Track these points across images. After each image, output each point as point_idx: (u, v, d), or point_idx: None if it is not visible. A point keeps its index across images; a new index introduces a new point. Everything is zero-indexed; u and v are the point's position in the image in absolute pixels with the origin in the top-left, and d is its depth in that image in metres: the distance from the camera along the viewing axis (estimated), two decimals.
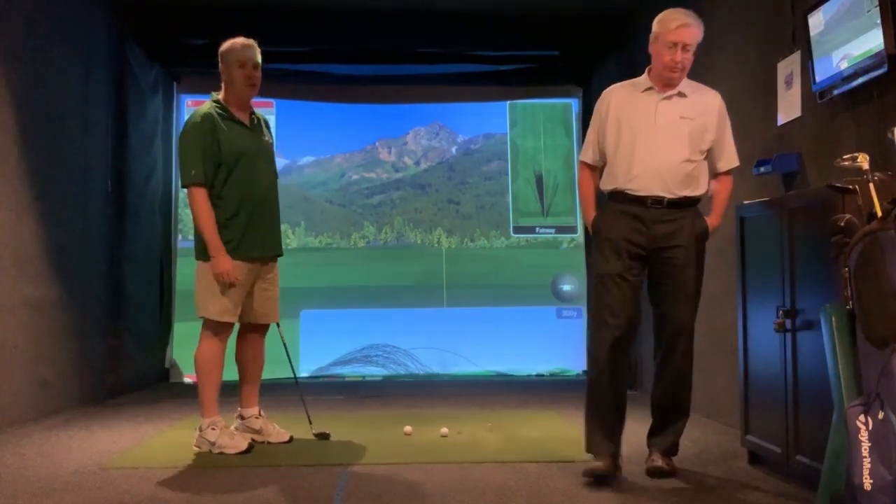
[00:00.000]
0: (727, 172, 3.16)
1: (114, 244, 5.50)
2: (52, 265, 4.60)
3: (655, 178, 2.99)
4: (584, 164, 3.25)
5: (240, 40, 3.62)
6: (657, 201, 2.99)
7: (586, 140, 3.24)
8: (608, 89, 3.20)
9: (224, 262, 3.45)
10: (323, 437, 3.83)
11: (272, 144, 3.79)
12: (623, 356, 3.11)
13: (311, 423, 3.89)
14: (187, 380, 6.27)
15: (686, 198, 3.02)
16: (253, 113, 3.71)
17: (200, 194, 3.46)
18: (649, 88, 3.09)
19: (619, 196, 3.06)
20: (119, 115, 5.62)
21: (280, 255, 3.76)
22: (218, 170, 3.49)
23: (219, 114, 3.53)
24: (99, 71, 5.33)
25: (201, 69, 6.57)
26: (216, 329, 3.53)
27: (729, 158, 3.15)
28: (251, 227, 3.54)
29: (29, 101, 4.37)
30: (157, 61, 6.20)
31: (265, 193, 3.62)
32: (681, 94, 3.08)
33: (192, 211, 3.52)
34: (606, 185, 3.13)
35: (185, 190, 3.53)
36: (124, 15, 5.68)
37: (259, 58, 3.62)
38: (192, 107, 6.80)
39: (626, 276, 3.02)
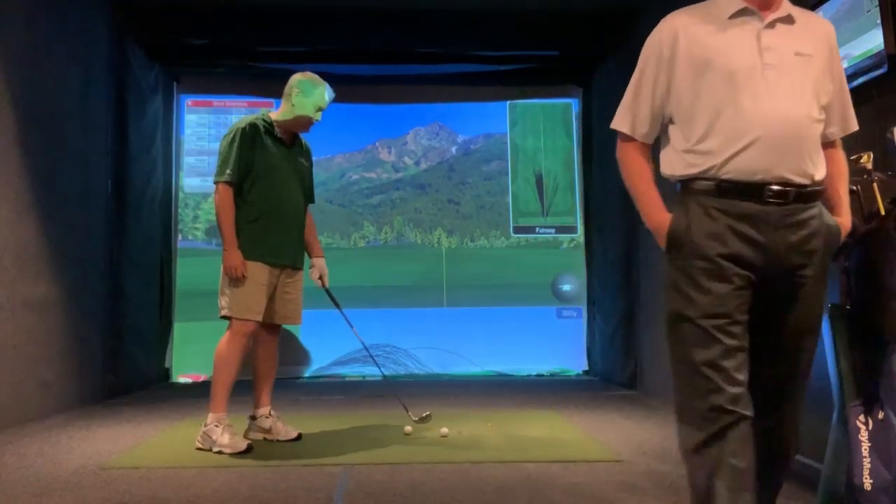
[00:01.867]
0: (836, 143, 2.10)
1: (114, 244, 5.50)
2: (52, 265, 4.60)
3: (777, 152, 1.86)
4: (628, 138, 2.06)
5: (325, 84, 3.80)
6: (781, 192, 1.86)
7: (629, 102, 2.06)
8: (668, 17, 2.04)
9: (234, 257, 3.58)
10: (424, 420, 4.00)
11: (308, 169, 3.96)
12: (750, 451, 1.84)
13: (407, 410, 4.03)
14: (181, 379, 6.30)
15: (816, 183, 1.91)
16: (297, 137, 3.90)
17: (226, 192, 3.63)
18: (742, 11, 1.94)
19: (712, 186, 1.89)
20: (119, 115, 5.61)
21: (299, 268, 3.85)
22: (248, 176, 3.66)
23: (264, 127, 3.74)
24: (99, 71, 5.33)
25: (201, 69, 6.58)
26: (239, 327, 3.60)
27: (846, 119, 2.08)
28: (268, 234, 3.66)
29: (29, 101, 4.37)
30: (157, 61, 6.19)
31: (287, 208, 3.74)
32: (789, 19, 1.96)
33: (215, 205, 3.68)
34: (683, 168, 1.96)
35: (215, 185, 3.70)
36: (124, 15, 5.67)
37: None
38: (193, 107, 6.84)
39: (737, 317, 1.86)
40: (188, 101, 6.81)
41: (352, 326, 4.07)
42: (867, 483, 2.00)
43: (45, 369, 4.51)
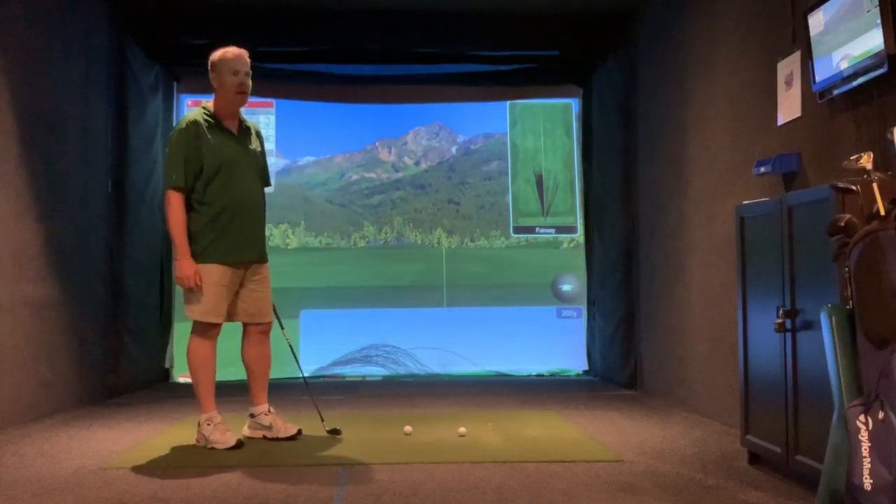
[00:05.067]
0: None
1: (114, 244, 5.50)
2: (52, 265, 4.60)
3: None
4: None
5: (231, 49, 3.72)
6: None
7: None
8: None
9: (187, 267, 3.55)
10: (335, 432, 3.88)
11: (261, 153, 3.86)
12: None
13: (322, 420, 3.95)
14: (181, 379, 6.30)
15: None
16: (242, 122, 3.80)
17: (176, 198, 3.57)
18: None
19: None
20: (119, 115, 5.61)
21: (264, 260, 3.80)
22: (200, 175, 3.58)
23: (206, 120, 3.65)
24: (99, 71, 5.32)
25: (201, 69, 6.48)
26: (202, 329, 3.64)
27: None
28: (230, 231, 3.62)
29: (29, 101, 4.37)
30: (157, 61, 6.19)
31: (247, 200, 3.67)
32: None
33: (166, 213, 3.61)
34: None
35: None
36: (124, 15, 5.67)
37: (249, 66, 3.72)
38: (193, 107, 6.82)
39: None
40: (188, 101, 6.81)
41: (283, 328, 3.93)
42: (867, 483, 2.00)
43: (45, 369, 4.51)
